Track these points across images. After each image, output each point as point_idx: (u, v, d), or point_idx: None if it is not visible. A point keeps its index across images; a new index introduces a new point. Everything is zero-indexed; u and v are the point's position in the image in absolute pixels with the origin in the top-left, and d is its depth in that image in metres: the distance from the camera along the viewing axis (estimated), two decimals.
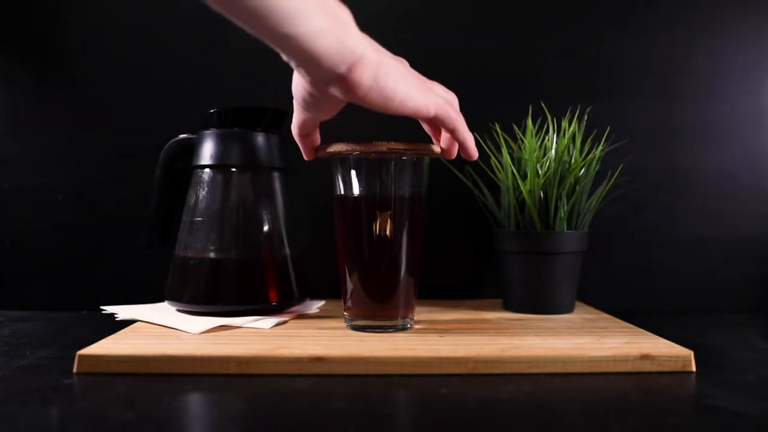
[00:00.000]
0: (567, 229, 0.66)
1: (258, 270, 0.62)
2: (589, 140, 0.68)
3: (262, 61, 0.74)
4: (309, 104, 0.50)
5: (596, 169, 0.66)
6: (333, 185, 0.57)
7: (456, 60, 0.75)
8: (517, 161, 0.68)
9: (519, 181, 0.64)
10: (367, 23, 0.75)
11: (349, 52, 0.43)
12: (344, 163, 0.55)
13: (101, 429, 0.36)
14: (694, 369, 0.48)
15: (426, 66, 0.75)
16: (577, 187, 0.65)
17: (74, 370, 0.46)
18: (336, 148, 0.54)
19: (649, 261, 0.76)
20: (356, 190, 0.55)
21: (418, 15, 0.75)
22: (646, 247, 0.76)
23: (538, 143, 0.67)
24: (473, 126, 0.72)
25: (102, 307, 0.64)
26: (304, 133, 0.54)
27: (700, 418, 0.40)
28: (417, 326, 0.57)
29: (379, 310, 0.55)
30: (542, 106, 0.70)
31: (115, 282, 0.73)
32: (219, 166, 0.63)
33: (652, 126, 0.76)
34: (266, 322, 0.57)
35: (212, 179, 0.63)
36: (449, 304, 0.70)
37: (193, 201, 0.63)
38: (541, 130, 0.70)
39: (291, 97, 0.73)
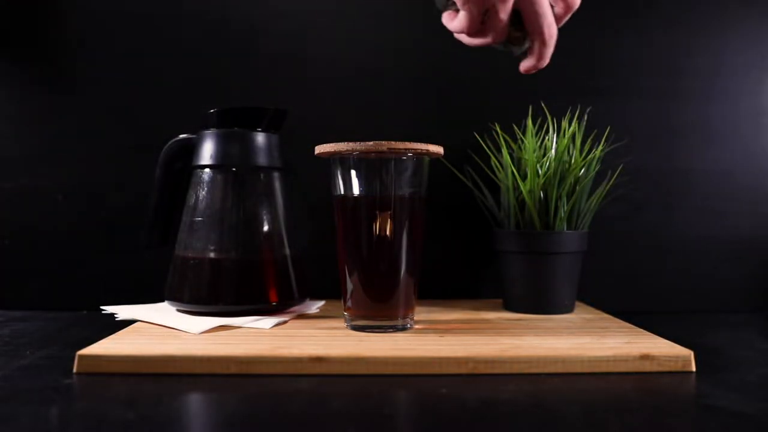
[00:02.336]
0: (567, 229, 0.66)
1: (258, 270, 0.62)
2: (589, 140, 0.68)
3: (263, 61, 0.75)
4: None
5: (596, 169, 0.66)
6: (333, 185, 0.57)
7: (456, 59, 0.75)
8: (517, 161, 0.68)
9: (519, 181, 0.64)
10: (367, 22, 0.75)
11: None
12: (344, 163, 0.55)
13: (101, 429, 0.36)
14: (694, 369, 0.48)
15: (426, 65, 0.75)
16: (577, 187, 0.65)
17: (74, 370, 0.46)
18: (336, 147, 0.54)
19: (649, 261, 0.76)
20: (356, 190, 0.55)
21: (419, 14, 0.75)
22: (646, 247, 0.76)
23: (538, 143, 0.67)
24: (473, 126, 0.73)
25: (102, 307, 0.65)
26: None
27: (700, 418, 0.40)
28: (417, 326, 0.57)
29: (379, 310, 0.55)
30: (542, 106, 0.70)
31: (115, 282, 0.73)
32: (219, 166, 0.63)
33: (652, 126, 0.76)
34: (266, 322, 0.57)
35: (212, 179, 0.63)
36: (449, 304, 0.70)
37: (193, 201, 0.63)
38: (541, 130, 0.70)
39: (290, 97, 0.73)
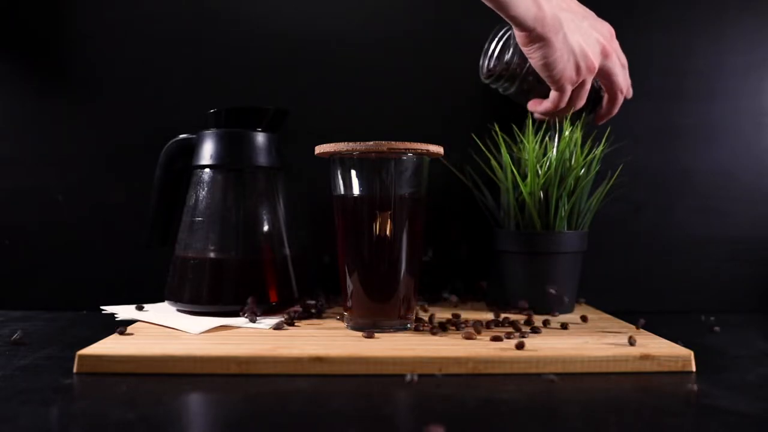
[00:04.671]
0: (567, 229, 0.65)
1: (258, 270, 0.62)
2: (589, 140, 0.68)
3: (262, 61, 0.75)
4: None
5: (596, 169, 0.66)
6: (333, 185, 0.57)
7: (457, 59, 0.75)
8: (517, 161, 0.68)
9: (519, 182, 0.64)
10: (367, 22, 0.75)
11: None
12: (344, 162, 0.55)
13: (101, 429, 0.36)
14: (694, 369, 0.48)
15: (427, 65, 0.75)
16: (577, 187, 0.65)
17: (74, 370, 0.46)
18: (336, 147, 0.54)
19: (649, 261, 0.76)
20: (356, 189, 0.55)
21: (420, 15, 0.75)
22: (646, 247, 0.76)
23: (538, 143, 0.67)
24: (472, 127, 0.73)
25: (102, 307, 0.65)
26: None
27: (700, 418, 0.40)
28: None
29: (379, 310, 0.55)
30: None
31: (115, 282, 0.73)
32: (219, 166, 0.63)
33: (652, 126, 0.76)
34: (266, 322, 0.57)
35: (212, 179, 0.63)
36: (449, 304, 0.70)
37: (193, 201, 0.63)
38: (540, 130, 0.70)
39: (290, 97, 0.73)
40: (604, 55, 0.62)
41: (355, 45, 0.75)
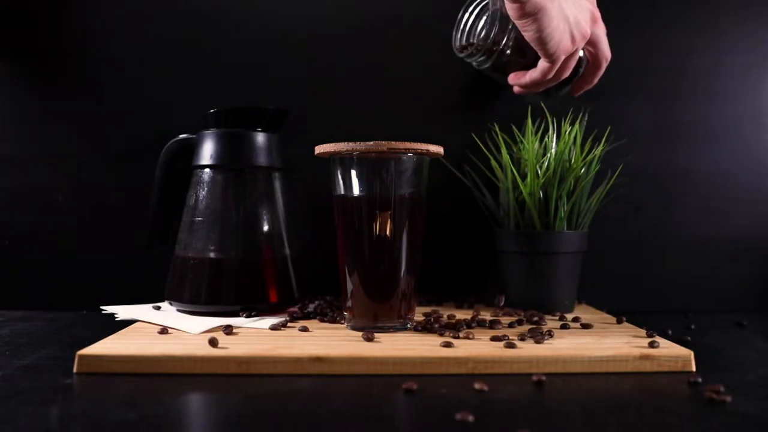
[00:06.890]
0: (567, 229, 0.66)
1: (258, 270, 0.62)
2: (589, 140, 0.68)
3: (262, 61, 0.75)
4: None
5: (596, 169, 0.66)
6: (333, 185, 0.57)
7: (456, 59, 0.75)
8: (517, 161, 0.68)
9: (519, 182, 0.64)
10: (367, 22, 0.75)
11: None
12: (344, 162, 0.55)
13: (101, 429, 0.36)
14: (694, 369, 0.48)
15: (426, 65, 0.75)
16: (577, 187, 0.65)
17: (74, 370, 0.46)
18: (336, 147, 0.54)
19: (650, 261, 0.76)
20: (356, 189, 0.55)
21: (419, 15, 0.75)
22: (646, 247, 0.76)
23: (537, 142, 0.67)
24: (472, 127, 0.73)
25: (102, 307, 0.65)
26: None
27: (700, 418, 0.40)
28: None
29: (379, 310, 0.55)
30: (542, 106, 0.70)
31: (115, 282, 0.73)
32: (219, 166, 0.63)
33: (652, 126, 0.76)
34: (266, 322, 0.57)
35: (212, 179, 0.63)
36: (449, 304, 0.70)
37: (193, 201, 0.63)
38: (539, 129, 0.70)
39: (290, 97, 0.73)
40: (593, 21, 0.61)
41: (355, 44, 0.75)
